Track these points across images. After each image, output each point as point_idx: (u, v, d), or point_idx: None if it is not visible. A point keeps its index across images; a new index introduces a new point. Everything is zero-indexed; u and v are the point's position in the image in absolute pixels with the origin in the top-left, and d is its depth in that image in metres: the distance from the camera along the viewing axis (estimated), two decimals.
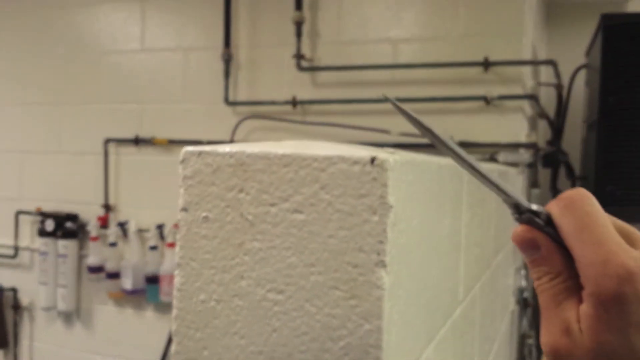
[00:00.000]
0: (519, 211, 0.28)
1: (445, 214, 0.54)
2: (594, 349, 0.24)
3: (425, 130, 0.31)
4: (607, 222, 0.26)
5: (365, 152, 0.35)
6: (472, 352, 0.78)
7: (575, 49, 2.10)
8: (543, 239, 0.28)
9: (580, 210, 0.26)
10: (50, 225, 2.06)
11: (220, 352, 0.38)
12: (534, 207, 0.28)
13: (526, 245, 0.28)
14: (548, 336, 0.26)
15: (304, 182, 0.36)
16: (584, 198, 0.27)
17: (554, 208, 0.28)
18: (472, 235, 0.72)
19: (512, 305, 1.49)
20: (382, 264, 0.35)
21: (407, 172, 0.39)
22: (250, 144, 0.39)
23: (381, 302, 0.35)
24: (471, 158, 0.30)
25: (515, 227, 0.29)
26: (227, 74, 1.88)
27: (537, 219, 0.28)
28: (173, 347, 0.40)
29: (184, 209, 0.39)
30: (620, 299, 0.24)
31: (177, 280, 0.39)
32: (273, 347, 0.37)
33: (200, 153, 0.39)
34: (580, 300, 0.25)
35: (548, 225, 0.28)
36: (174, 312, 0.39)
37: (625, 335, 0.24)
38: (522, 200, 0.28)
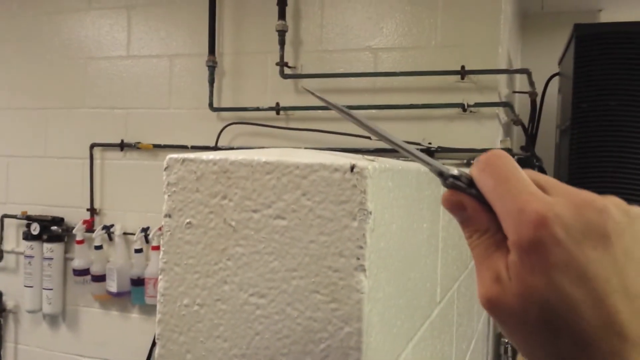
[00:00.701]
0: (444, 177, 0.30)
1: (424, 218, 0.56)
2: (522, 293, 0.26)
3: (342, 111, 0.34)
4: (522, 175, 0.28)
5: (346, 160, 0.36)
6: (450, 352, 0.79)
7: (549, 58, 2.17)
8: (467, 200, 0.29)
9: (495, 167, 0.28)
10: (35, 228, 2.04)
11: (204, 355, 0.39)
12: (455, 171, 0.30)
13: (453, 207, 0.30)
14: (481, 287, 0.28)
15: (286, 188, 0.37)
16: (499, 157, 0.28)
17: (474, 170, 0.29)
18: (450, 237, 0.73)
19: None
20: (362, 268, 0.35)
21: (387, 178, 0.40)
22: (234, 151, 0.39)
23: (361, 305, 0.35)
24: (385, 131, 0.32)
25: (443, 193, 0.31)
26: (211, 80, 1.88)
27: (459, 183, 0.29)
28: (157, 351, 0.40)
29: (168, 215, 0.39)
30: (538, 243, 0.25)
31: (160, 285, 0.40)
32: (255, 350, 0.37)
33: (184, 160, 0.39)
34: (508, 251, 0.27)
35: (471, 187, 0.29)
36: (158, 316, 0.40)
37: (548, 276, 0.25)
38: (444, 167, 0.30)
